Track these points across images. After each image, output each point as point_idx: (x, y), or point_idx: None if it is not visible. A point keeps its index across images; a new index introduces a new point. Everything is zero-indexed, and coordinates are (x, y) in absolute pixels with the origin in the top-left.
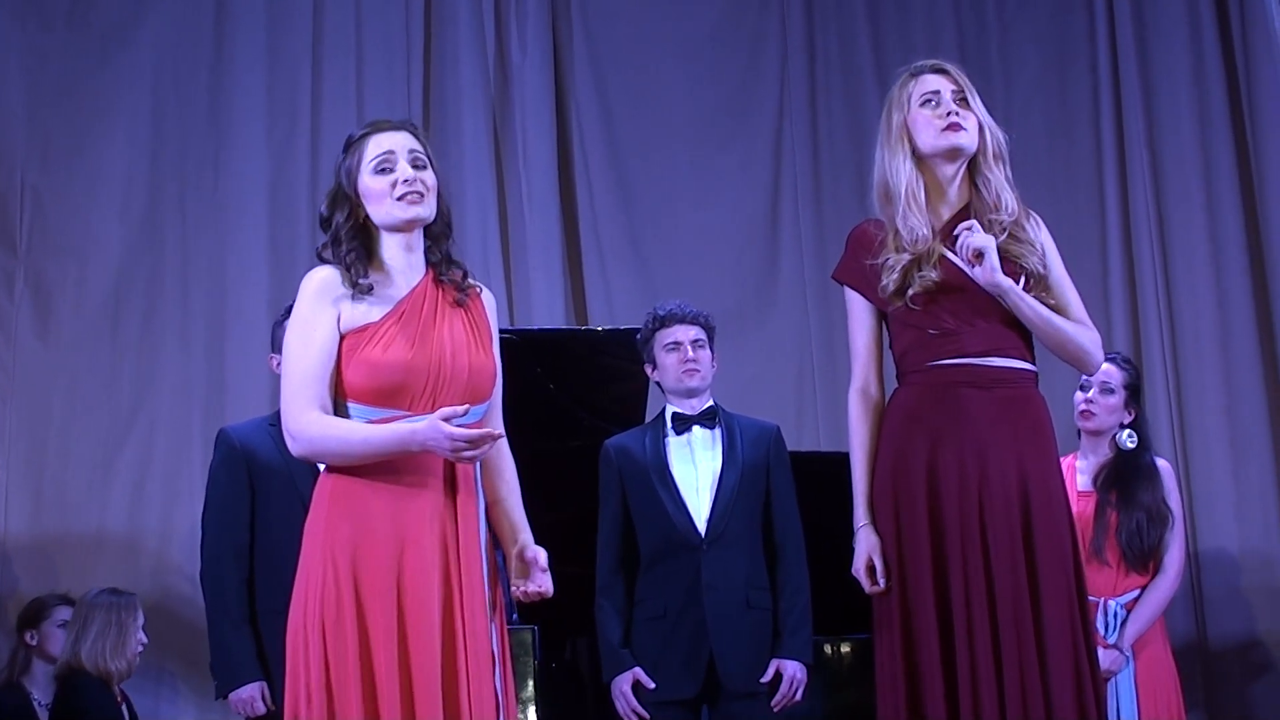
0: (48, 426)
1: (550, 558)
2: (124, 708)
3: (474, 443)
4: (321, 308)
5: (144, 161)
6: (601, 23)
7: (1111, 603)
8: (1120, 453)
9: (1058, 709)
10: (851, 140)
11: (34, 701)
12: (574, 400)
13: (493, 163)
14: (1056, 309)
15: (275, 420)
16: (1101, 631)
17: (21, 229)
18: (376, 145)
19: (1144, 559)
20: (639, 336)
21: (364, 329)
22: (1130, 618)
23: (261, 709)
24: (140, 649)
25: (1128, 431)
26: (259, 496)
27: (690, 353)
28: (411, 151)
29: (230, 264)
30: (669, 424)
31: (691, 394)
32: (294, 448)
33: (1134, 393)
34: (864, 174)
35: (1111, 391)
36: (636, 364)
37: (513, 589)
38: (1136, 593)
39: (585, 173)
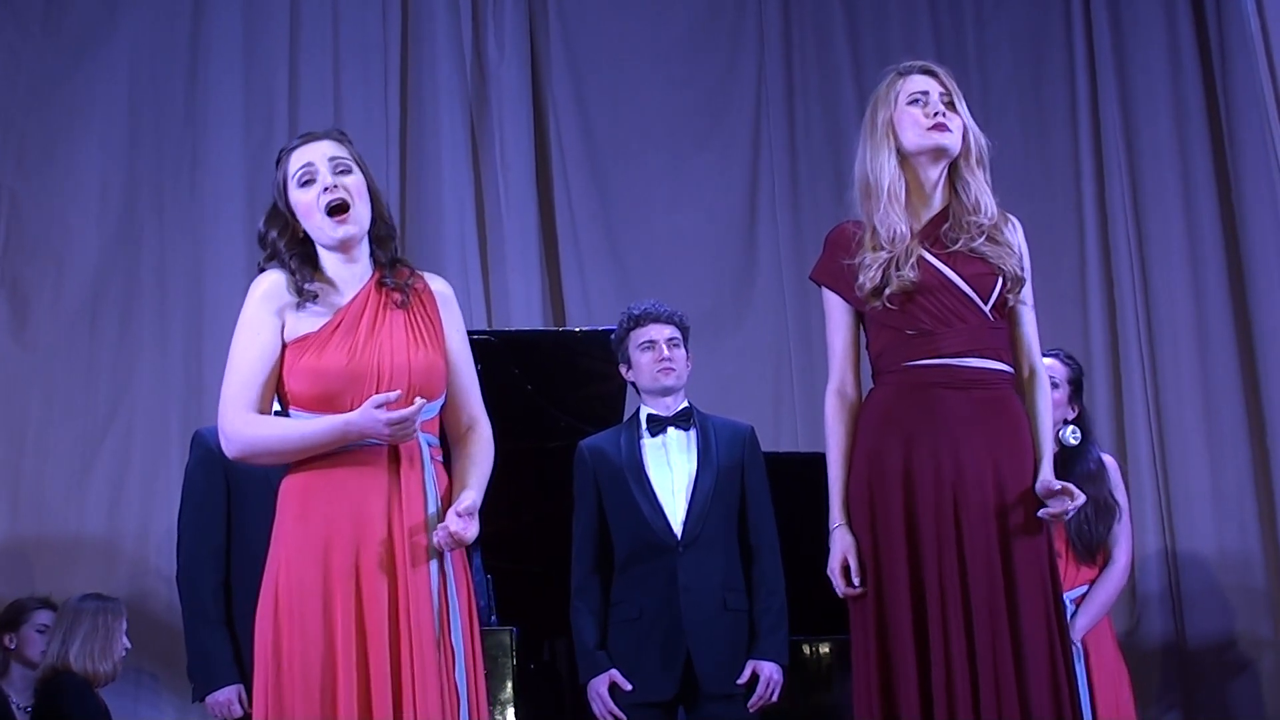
0: (25, 428)
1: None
2: None
3: (410, 419)
4: (266, 314)
5: (121, 163)
6: (579, 24)
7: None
8: (1064, 448)
9: (1034, 708)
10: (829, 141)
11: (12, 704)
12: (551, 401)
13: (470, 164)
14: (1016, 315)
15: None
16: None
17: None
18: (298, 159)
19: (1092, 550)
20: (613, 337)
21: (305, 339)
22: (1080, 610)
23: (239, 711)
24: (124, 653)
25: (1071, 427)
26: (235, 498)
27: (665, 351)
28: (333, 159)
29: (207, 266)
30: (644, 425)
31: (667, 393)
32: (229, 449)
33: (1077, 388)
34: (841, 174)
35: (1056, 386)
36: (614, 365)
37: (434, 535)
38: (1085, 588)
39: (563, 174)
